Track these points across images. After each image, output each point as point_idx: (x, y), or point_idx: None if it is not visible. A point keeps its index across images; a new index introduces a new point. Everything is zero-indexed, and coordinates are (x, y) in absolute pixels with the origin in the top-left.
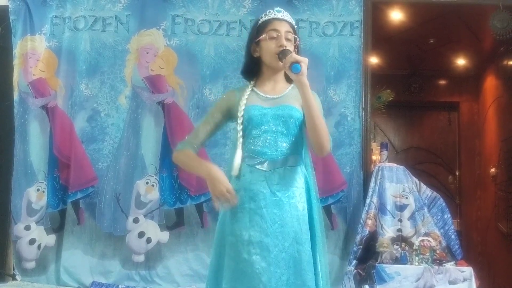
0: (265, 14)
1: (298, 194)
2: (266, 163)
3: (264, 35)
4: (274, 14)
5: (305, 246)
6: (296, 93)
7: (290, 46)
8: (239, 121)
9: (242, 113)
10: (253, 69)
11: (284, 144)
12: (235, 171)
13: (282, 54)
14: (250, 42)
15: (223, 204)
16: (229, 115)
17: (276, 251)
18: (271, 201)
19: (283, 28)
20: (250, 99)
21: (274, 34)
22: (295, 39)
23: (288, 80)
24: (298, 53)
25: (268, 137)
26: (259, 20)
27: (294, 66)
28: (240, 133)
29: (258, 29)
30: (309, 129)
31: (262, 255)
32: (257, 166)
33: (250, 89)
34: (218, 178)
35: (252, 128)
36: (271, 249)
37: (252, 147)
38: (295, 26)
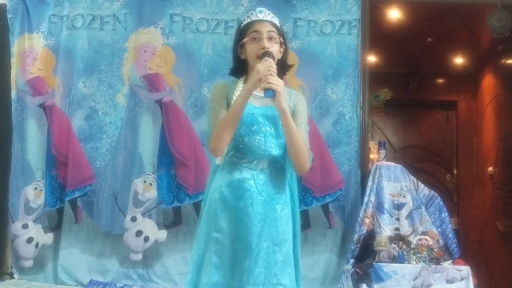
0: (248, 17)
1: (281, 196)
2: (254, 163)
3: (246, 38)
4: (256, 16)
5: (281, 247)
6: (285, 95)
7: (274, 45)
8: None
9: None
10: (241, 70)
11: (272, 145)
12: (219, 160)
13: (262, 57)
14: (235, 45)
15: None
16: (228, 106)
17: (257, 250)
18: (257, 200)
19: (265, 28)
20: None
21: (256, 36)
22: (279, 38)
23: None
24: (286, 51)
25: (258, 137)
26: (242, 22)
27: (267, 92)
28: None
29: (241, 32)
30: (289, 152)
31: (247, 252)
32: (244, 165)
33: (242, 84)
34: (254, 74)
35: (241, 126)
36: (253, 247)
37: (241, 146)
38: (280, 25)
